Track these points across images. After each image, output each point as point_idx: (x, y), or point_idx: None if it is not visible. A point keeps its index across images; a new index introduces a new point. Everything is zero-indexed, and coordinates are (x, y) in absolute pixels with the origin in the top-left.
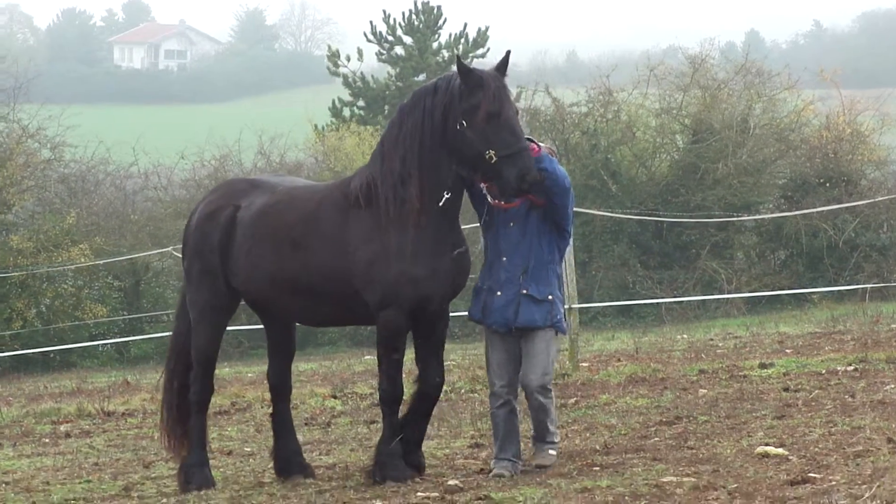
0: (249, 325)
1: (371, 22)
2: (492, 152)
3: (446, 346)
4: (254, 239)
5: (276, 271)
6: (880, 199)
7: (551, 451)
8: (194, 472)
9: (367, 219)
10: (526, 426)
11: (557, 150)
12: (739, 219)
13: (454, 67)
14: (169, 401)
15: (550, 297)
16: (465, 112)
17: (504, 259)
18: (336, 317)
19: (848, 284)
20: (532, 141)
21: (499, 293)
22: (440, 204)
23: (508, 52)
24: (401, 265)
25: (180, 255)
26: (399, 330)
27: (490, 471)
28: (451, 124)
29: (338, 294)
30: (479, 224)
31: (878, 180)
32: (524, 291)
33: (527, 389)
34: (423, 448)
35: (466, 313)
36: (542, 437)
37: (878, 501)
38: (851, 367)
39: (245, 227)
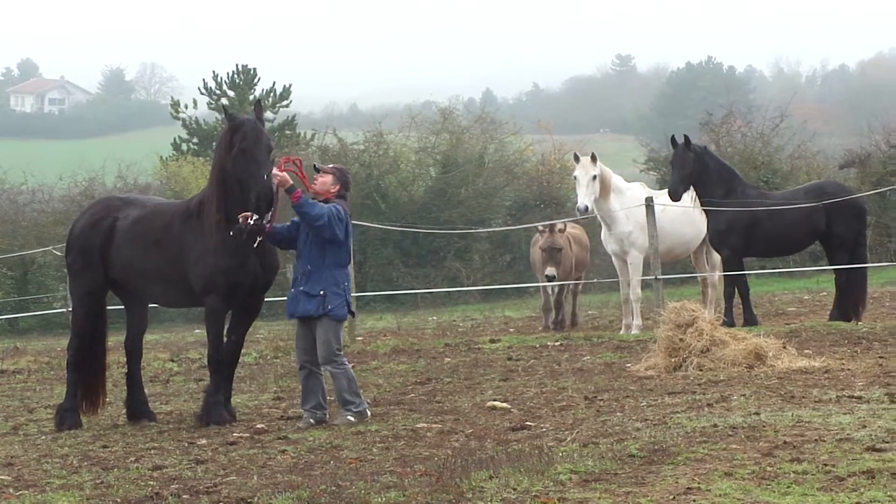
0: (112, 306)
1: (203, 79)
2: (243, 178)
3: (256, 323)
4: (130, 240)
5: (143, 264)
6: (580, 217)
7: (349, 417)
8: (67, 415)
9: (198, 227)
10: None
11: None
12: (476, 230)
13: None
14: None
15: (322, 292)
16: (232, 147)
17: (295, 264)
18: (179, 299)
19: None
20: (317, 169)
21: (291, 290)
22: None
23: (259, 101)
24: (214, 260)
25: (60, 254)
26: (218, 310)
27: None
28: (230, 157)
29: (180, 281)
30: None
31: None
32: (301, 289)
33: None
34: (238, 400)
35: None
36: (341, 403)
37: (577, 443)
38: (558, 343)
39: (122, 232)
